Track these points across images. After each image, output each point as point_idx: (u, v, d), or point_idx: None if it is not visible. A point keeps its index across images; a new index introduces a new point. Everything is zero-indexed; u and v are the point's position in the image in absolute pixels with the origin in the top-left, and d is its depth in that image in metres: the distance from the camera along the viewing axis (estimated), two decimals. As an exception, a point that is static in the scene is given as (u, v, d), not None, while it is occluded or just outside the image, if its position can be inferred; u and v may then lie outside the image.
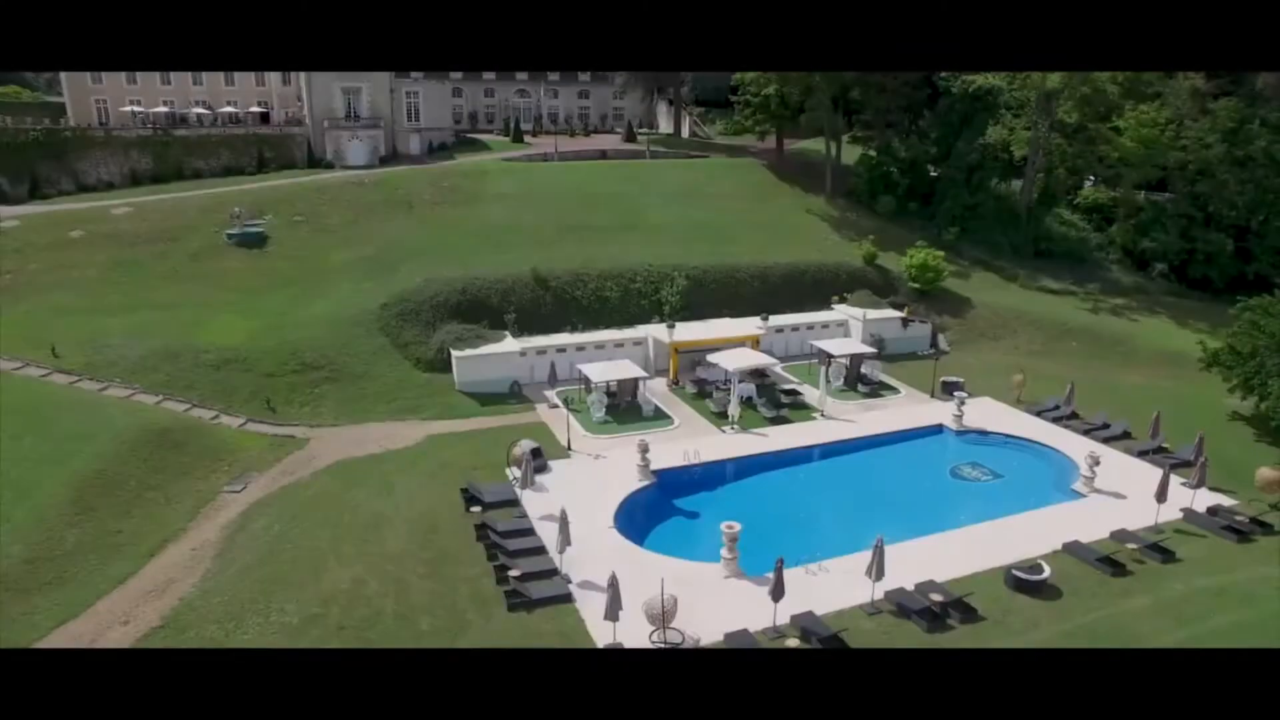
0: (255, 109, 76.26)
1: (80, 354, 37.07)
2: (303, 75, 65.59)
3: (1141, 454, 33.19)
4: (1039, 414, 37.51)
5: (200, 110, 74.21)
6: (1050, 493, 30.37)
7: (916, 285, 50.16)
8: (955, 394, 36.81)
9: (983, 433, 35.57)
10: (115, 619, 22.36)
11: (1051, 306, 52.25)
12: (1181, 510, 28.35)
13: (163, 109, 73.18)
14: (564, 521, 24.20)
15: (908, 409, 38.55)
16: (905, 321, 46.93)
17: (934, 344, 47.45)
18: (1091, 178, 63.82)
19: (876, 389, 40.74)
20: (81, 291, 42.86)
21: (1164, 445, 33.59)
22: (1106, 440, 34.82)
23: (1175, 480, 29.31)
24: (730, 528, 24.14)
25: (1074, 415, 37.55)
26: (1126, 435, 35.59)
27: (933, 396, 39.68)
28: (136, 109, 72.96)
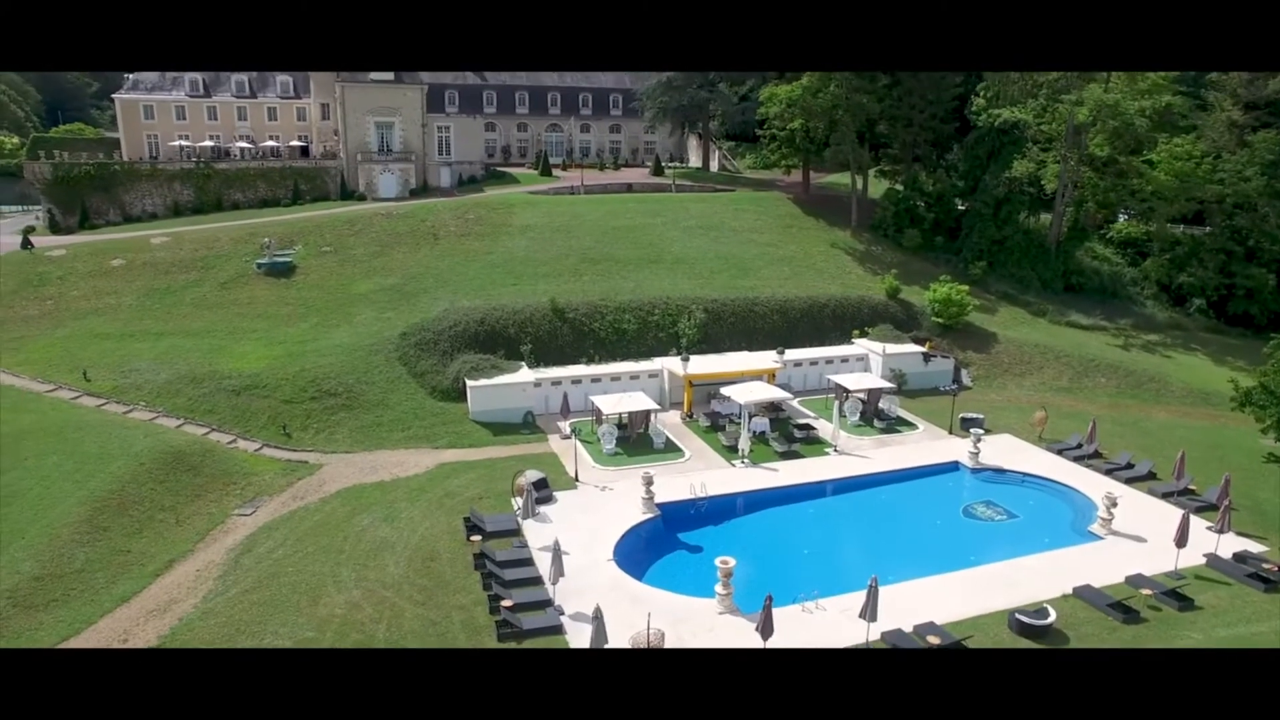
0: (296, 143, 78.93)
1: (110, 378, 38.32)
2: (340, 110, 67.64)
3: (1166, 495, 32.07)
4: (1060, 452, 36.54)
5: (244, 144, 77.00)
6: (1066, 534, 29.44)
7: (940, 320, 49.48)
8: (972, 430, 36.03)
9: (999, 470, 34.73)
10: (115, 637, 22.78)
11: (1080, 342, 51.10)
12: (1205, 556, 27.24)
13: (208, 143, 76.15)
14: (557, 553, 24.13)
15: (924, 445, 37.83)
16: (927, 356, 46.25)
17: (956, 379, 46.71)
18: (1126, 212, 62.60)
19: (893, 424, 40.09)
20: (117, 317, 44.38)
21: (1190, 487, 32.45)
22: (1129, 481, 33.75)
23: (1199, 524, 28.25)
24: (725, 563, 23.82)
25: (1096, 454, 36.52)
26: (1151, 476, 34.46)
27: (951, 433, 38.91)
28: (184, 143, 76.09)
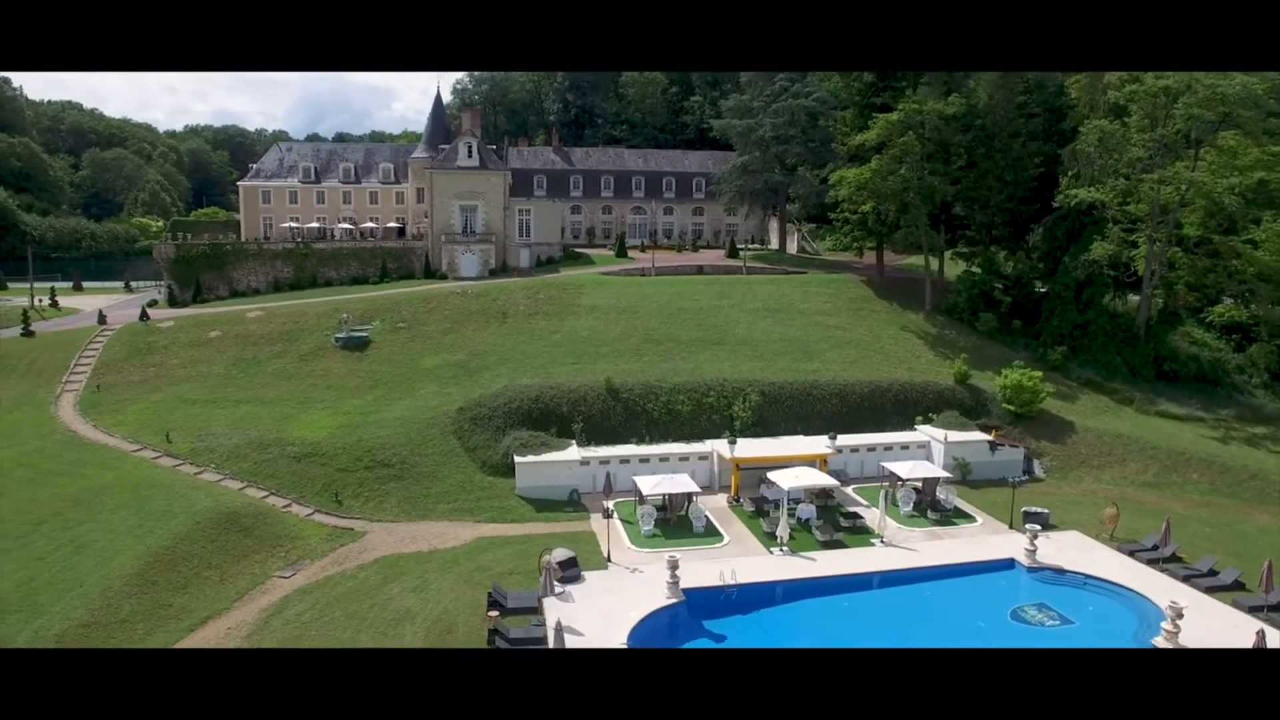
0: (393, 224, 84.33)
1: (189, 440, 41.12)
2: (429, 194, 72.10)
3: (1253, 610, 28.97)
4: (1132, 553, 33.71)
5: (346, 226, 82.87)
6: (1125, 645, 26.91)
7: (1011, 407, 47.17)
8: (1029, 525, 33.82)
9: (1059, 571, 32.30)
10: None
11: (1171, 433, 47.53)
12: None
13: (314, 225, 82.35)
14: (559, 633, 23.91)
15: (980, 540, 35.73)
16: (993, 445, 44.04)
17: (1028, 470, 44.22)
18: (1227, 295, 58.68)
19: (949, 516, 38.12)
20: (205, 384, 47.87)
21: None
22: (1210, 590, 30.72)
23: (1280, 643, 25.37)
24: (730, 654, 22.96)
25: (1175, 558, 33.52)
26: (1238, 586, 31.25)
27: (1011, 527, 36.62)
28: (294, 225, 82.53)
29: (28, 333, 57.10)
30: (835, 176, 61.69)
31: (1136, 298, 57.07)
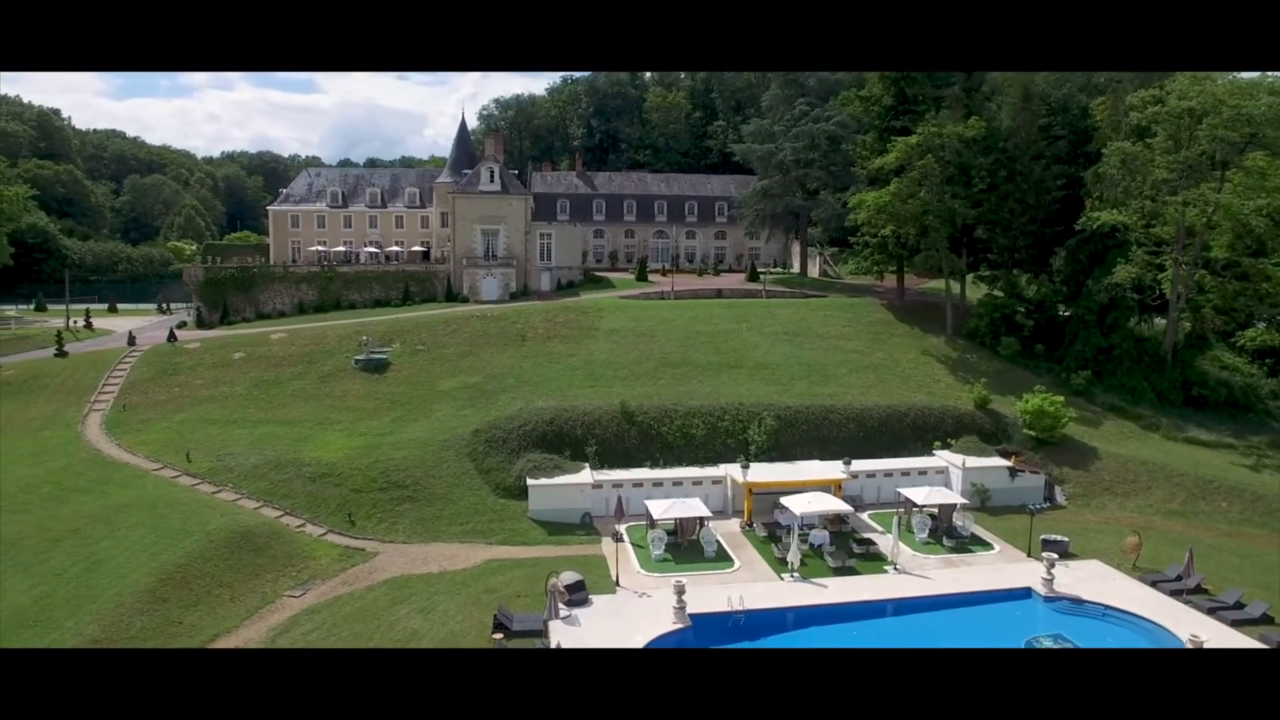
0: (418, 248, 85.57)
1: (208, 460, 41.77)
2: (452, 218, 73.10)
3: (1281, 645, 28.00)
4: (1154, 584, 32.78)
5: (372, 249, 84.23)
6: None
7: (1032, 432, 46.34)
8: (1046, 554, 33.06)
9: (1076, 601, 31.47)
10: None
11: (1199, 460, 46.31)
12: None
13: (341, 248, 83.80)
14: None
15: (996, 568, 34.98)
16: (1013, 471, 43.24)
17: (1049, 497, 43.34)
18: (1259, 320, 57.33)
19: (965, 543, 37.40)
20: (226, 405, 48.68)
21: (1308, 636, 28.23)
22: (1236, 623, 29.72)
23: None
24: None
25: (1199, 589, 32.52)
26: (1266, 620, 30.24)
27: (1029, 555, 35.82)
28: (321, 248, 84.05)
29: (61, 353, 58.56)
30: (854, 200, 61.54)
31: (1163, 321, 55.98)
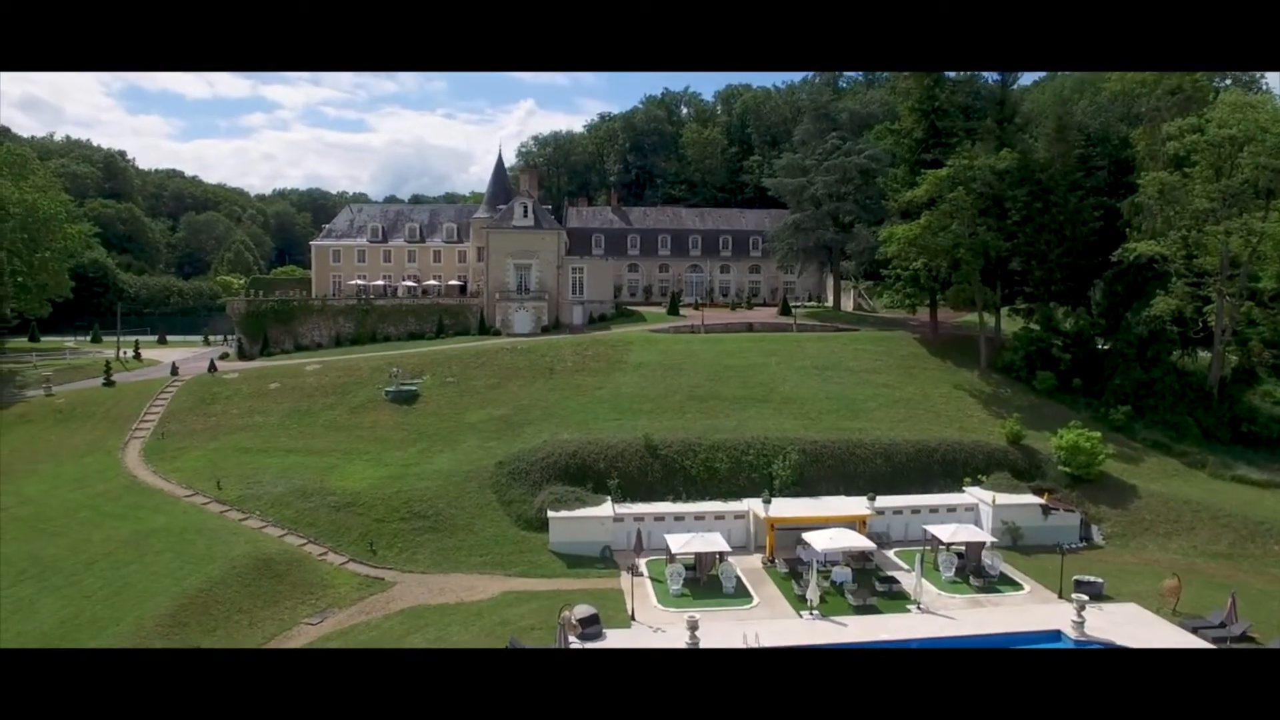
0: (454, 282, 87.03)
1: (237, 488, 42.65)
2: (486, 252, 74.35)
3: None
4: (1195, 630, 31.26)
5: (409, 283, 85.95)
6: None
7: (1068, 469, 44.94)
8: (1077, 595, 31.80)
9: (1108, 645, 30.15)
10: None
11: (1248, 500, 44.36)
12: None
13: (380, 282, 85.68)
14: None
15: (1025, 609, 33.78)
16: (1046, 509, 41.90)
17: (1085, 536, 41.89)
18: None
19: (994, 583, 36.22)
20: (259, 434, 49.77)
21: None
22: (1280, 674, 28.16)
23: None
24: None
25: (1245, 637, 30.94)
26: (1315, 671, 28.59)
27: (1061, 596, 34.51)
28: (361, 282, 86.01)
29: (109, 383, 60.64)
30: (885, 233, 61.11)
31: (1207, 355, 54.15)
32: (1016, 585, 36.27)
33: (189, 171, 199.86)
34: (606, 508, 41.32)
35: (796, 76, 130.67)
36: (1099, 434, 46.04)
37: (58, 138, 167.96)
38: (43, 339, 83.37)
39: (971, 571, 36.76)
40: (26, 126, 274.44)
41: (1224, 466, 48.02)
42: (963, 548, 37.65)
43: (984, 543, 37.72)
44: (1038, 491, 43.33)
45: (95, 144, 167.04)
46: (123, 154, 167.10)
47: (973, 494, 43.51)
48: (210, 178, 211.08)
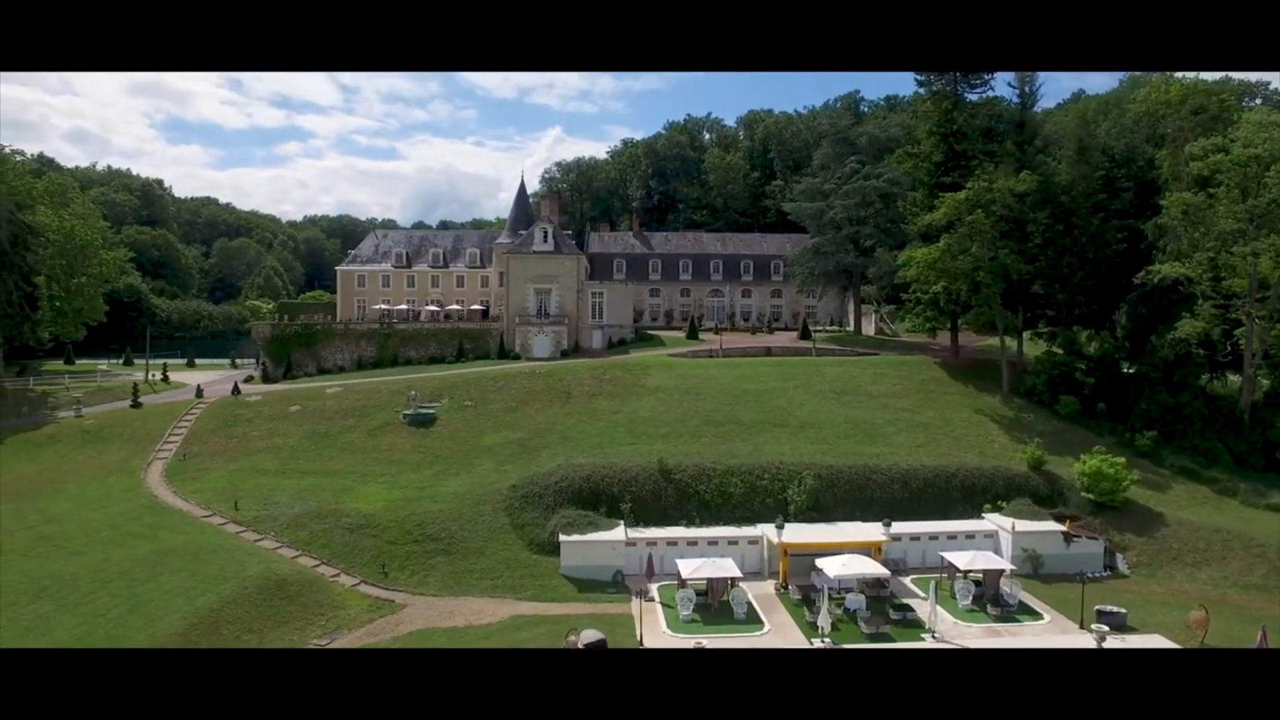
0: (477, 307, 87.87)
1: (255, 508, 43.10)
2: (507, 276, 75.03)
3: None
4: (1220, 665, 30.21)
5: (433, 308, 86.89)
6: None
7: (1091, 495, 43.93)
8: (1096, 626, 30.93)
9: (1129, 679, 29.23)
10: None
11: (1282, 531, 42.97)
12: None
13: (404, 306, 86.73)
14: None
15: (1043, 639, 32.89)
16: (1068, 536, 40.94)
17: (1109, 565, 40.84)
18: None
19: (1012, 612, 35.36)
20: (278, 456, 50.34)
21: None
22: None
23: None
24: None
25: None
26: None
27: (1082, 627, 33.58)
28: (385, 306, 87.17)
29: (136, 404, 61.81)
30: (904, 257, 60.72)
31: (1238, 379, 52.85)
32: (1036, 614, 35.39)
33: (226, 199, 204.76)
34: (619, 532, 41.11)
35: (818, 101, 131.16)
36: (1123, 460, 45.02)
37: (100, 168, 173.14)
38: (77, 361, 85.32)
39: (989, 600, 35.95)
40: (73, 157, 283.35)
41: (1257, 494, 46.63)
42: (980, 575, 36.88)
43: (1002, 570, 36.93)
44: (1060, 518, 42.36)
45: (135, 173, 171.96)
46: (160, 182, 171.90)
47: (992, 520, 42.68)
48: (245, 205, 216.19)
